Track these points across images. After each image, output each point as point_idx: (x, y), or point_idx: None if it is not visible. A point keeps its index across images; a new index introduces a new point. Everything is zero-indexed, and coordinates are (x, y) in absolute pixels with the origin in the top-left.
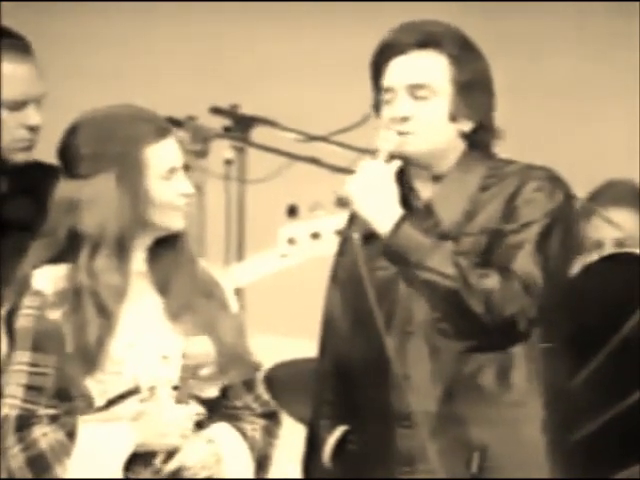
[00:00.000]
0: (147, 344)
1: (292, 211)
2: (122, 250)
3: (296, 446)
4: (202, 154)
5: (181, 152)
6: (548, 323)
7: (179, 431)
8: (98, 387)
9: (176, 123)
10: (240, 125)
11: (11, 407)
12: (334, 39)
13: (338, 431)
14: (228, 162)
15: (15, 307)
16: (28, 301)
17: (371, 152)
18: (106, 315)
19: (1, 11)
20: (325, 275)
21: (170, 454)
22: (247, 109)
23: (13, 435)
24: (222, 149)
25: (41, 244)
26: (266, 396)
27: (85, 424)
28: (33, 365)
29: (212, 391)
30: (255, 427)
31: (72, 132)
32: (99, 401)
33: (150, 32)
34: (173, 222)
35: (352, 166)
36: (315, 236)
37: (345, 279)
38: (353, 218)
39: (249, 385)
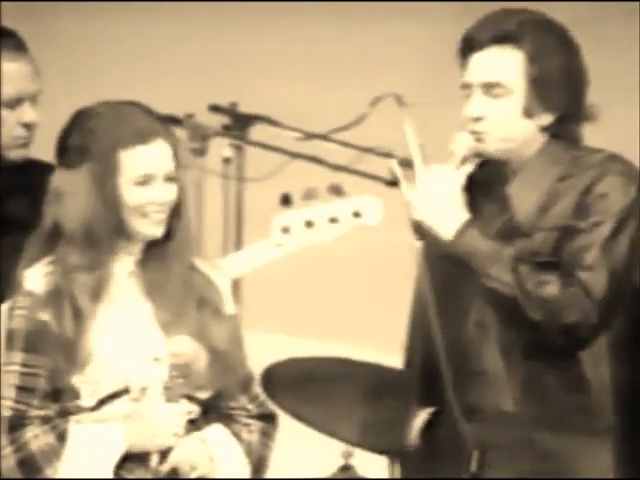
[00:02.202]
0: (138, 345)
1: (286, 200)
2: (95, 248)
3: (293, 446)
4: (200, 152)
5: (171, 159)
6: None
7: (171, 430)
8: (88, 387)
9: (175, 121)
10: (239, 123)
11: (4, 408)
12: (332, 37)
13: (425, 412)
14: (226, 160)
15: (11, 307)
16: (20, 301)
17: (370, 150)
18: (79, 314)
19: (1, 11)
20: (322, 274)
21: (164, 454)
22: (246, 107)
23: (5, 436)
24: (221, 147)
25: (33, 240)
26: (262, 397)
27: (77, 425)
28: (25, 366)
29: (206, 392)
30: (251, 429)
31: (69, 122)
32: (90, 401)
33: (149, 30)
34: (146, 229)
35: (351, 164)
36: (309, 224)
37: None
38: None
39: (245, 386)
